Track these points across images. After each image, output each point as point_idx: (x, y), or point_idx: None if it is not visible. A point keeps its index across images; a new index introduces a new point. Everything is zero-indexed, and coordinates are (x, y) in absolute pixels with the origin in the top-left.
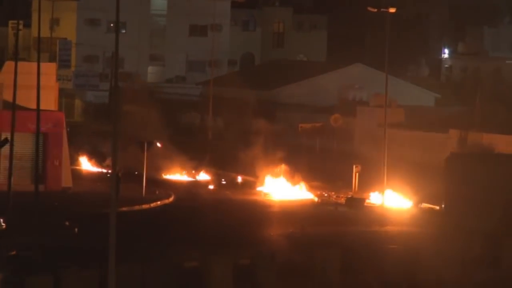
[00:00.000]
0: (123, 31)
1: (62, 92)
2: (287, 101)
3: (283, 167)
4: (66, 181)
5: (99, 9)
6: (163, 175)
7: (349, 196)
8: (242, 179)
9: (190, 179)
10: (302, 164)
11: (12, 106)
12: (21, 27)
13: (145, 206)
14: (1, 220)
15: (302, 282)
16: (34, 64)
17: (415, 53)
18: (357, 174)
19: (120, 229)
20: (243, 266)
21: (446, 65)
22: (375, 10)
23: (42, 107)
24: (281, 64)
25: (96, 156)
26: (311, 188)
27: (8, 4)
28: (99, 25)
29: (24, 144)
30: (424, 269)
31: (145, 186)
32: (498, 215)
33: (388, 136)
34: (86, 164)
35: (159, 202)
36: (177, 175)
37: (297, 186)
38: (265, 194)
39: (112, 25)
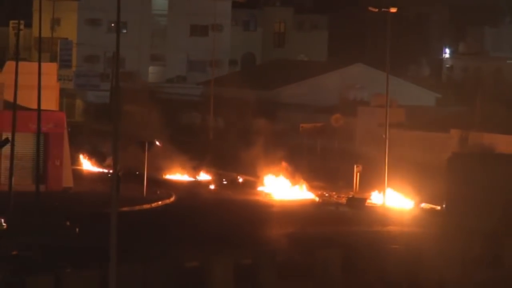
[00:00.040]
0: (124, 31)
1: (63, 92)
2: (288, 101)
3: (284, 167)
4: (67, 181)
5: (100, 9)
6: (164, 175)
7: (350, 196)
8: (243, 179)
9: (191, 179)
10: (303, 164)
11: (13, 106)
12: (22, 27)
13: (146, 206)
14: (2, 220)
15: (303, 282)
16: (35, 64)
17: (416, 53)
18: (358, 174)
19: (121, 229)
20: (244, 266)
21: (447, 65)
22: (376, 10)
23: (43, 107)
24: (282, 64)
25: (97, 156)
26: (312, 188)
27: (9, 4)
28: (100, 25)
29: (25, 144)
30: (425, 269)
31: (146, 186)
32: (499, 215)
33: (389, 136)
34: (86, 164)
35: (160, 202)
36: (178, 175)
37: (298, 186)
38: (266, 194)
39: (113, 25)
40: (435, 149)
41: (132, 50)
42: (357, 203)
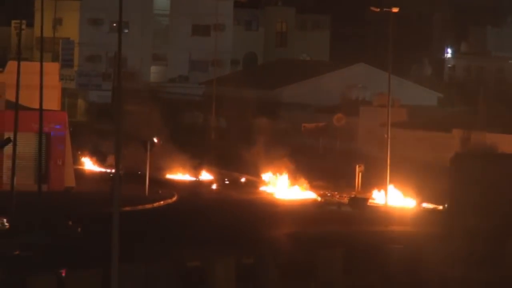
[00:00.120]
0: (126, 30)
1: (65, 92)
2: (290, 101)
3: (286, 166)
4: (69, 181)
5: (102, 9)
6: (166, 174)
7: (352, 195)
8: (245, 178)
9: (193, 178)
10: (305, 164)
11: (15, 106)
12: (23, 26)
13: (148, 206)
14: (5, 220)
15: (305, 282)
16: (37, 64)
17: (418, 52)
18: (360, 173)
19: (123, 229)
20: (246, 266)
21: (449, 65)
22: (378, 9)
23: (45, 107)
24: (284, 64)
25: (99, 156)
26: (314, 187)
27: (11, 3)
28: (102, 25)
29: (27, 144)
30: (428, 269)
31: (148, 186)
32: (502, 215)
33: (391, 135)
34: (89, 164)
35: (162, 202)
36: (180, 175)
37: (300, 186)
38: (268, 194)
39: (115, 24)
40: (437, 149)
41: (134, 50)
42: (359, 203)
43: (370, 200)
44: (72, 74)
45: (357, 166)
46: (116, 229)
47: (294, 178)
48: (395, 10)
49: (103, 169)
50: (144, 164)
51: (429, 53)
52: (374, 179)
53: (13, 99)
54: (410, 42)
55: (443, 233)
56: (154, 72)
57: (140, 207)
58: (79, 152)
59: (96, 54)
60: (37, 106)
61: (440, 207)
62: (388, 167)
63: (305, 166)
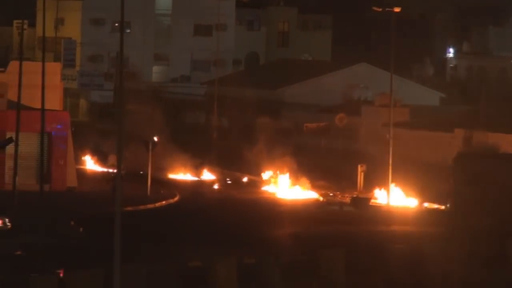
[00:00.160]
0: (128, 30)
1: (67, 92)
2: (292, 101)
3: (288, 166)
4: (71, 181)
5: (104, 9)
6: (167, 174)
7: (354, 195)
8: (247, 178)
9: (195, 178)
10: (307, 164)
11: (17, 106)
12: (25, 26)
13: (150, 206)
14: (7, 220)
15: (307, 282)
16: (39, 64)
17: (420, 52)
18: (362, 173)
19: (125, 229)
20: (248, 266)
21: (451, 65)
22: (380, 9)
23: (47, 106)
24: (286, 64)
25: (101, 156)
26: (316, 187)
27: (13, 3)
28: (103, 25)
29: (29, 144)
30: (430, 269)
31: (150, 186)
32: (504, 215)
33: (393, 135)
34: (90, 164)
35: (164, 202)
36: (182, 175)
37: (302, 186)
38: (270, 194)
39: (116, 24)
40: (439, 148)
41: (136, 50)
42: (361, 202)
43: (372, 200)
44: (74, 74)
45: (359, 166)
46: (118, 229)
47: (296, 178)
48: (397, 10)
49: (105, 169)
50: (146, 164)
51: (431, 52)
52: (376, 179)
53: (15, 99)
54: (412, 42)
55: (445, 233)
56: (156, 72)
57: (142, 207)
58: (81, 152)
59: (98, 54)
60: (39, 106)
61: (442, 207)
62: (390, 167)
63: (307, 166)
